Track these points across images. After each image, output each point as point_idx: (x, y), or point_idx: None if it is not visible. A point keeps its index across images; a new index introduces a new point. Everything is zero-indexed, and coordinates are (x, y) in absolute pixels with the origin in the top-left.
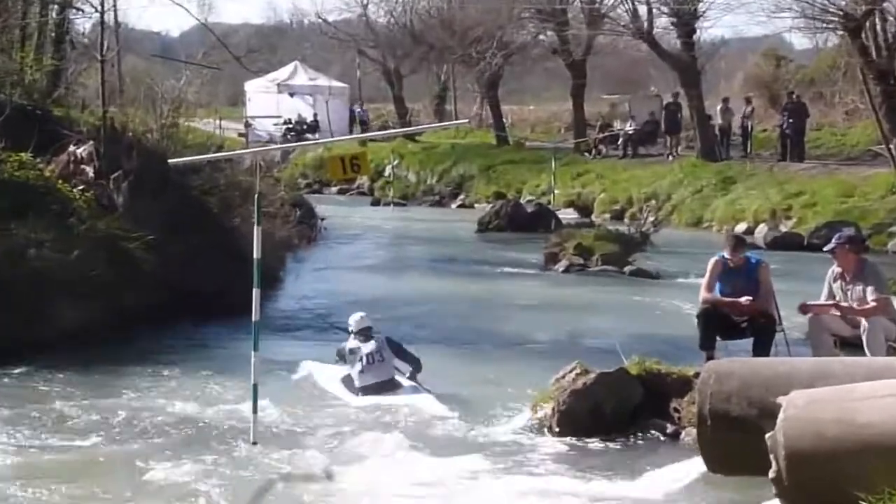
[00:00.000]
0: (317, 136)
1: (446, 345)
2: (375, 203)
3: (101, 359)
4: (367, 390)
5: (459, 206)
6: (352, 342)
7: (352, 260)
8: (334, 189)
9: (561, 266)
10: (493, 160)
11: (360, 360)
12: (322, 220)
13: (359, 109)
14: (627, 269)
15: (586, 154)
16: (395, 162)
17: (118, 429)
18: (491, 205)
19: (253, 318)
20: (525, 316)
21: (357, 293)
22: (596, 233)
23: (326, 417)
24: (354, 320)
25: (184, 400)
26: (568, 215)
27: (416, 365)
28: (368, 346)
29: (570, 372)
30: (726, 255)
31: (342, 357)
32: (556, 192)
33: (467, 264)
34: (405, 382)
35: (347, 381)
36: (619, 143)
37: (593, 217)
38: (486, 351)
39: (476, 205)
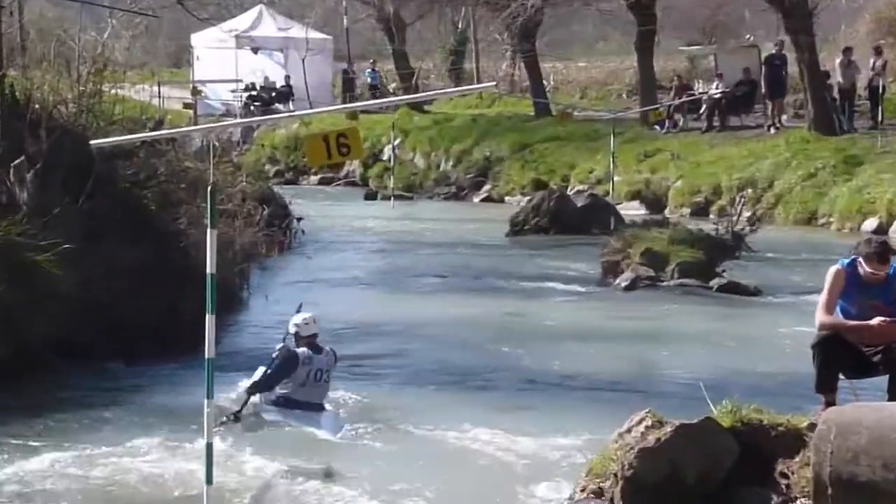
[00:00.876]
0: (290, 106)
1: (466, 388)
2: (370, 197)
3: None
4: (290, 404)
5: (484, 200)
6: (302, 349)
7: (338, 274)
8: (314, 178)
9: (624, 280)
10: (530, 137)
11: (309, 374)
12: (298, 220)
13: (370, 71)
14: (715, 282)
15: (657, 127)
16: (397, 141)
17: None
18: (527, 198)
19: (206, 355)
20: (574, 349)
21: (345, 319)
22: (671, 234)
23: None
24: (302, 322)
25: (110, 466)
26: (632, 210)
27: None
28: (321, 361)
29: (639, 424)
30: (865, 266)
31: (282, 362)
32: (615, 179)
33: (495, 280)
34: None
35: (263, 385)
36: (701, 111)
37: (667, 213)
38: (522, 396)
39: (507, 198)
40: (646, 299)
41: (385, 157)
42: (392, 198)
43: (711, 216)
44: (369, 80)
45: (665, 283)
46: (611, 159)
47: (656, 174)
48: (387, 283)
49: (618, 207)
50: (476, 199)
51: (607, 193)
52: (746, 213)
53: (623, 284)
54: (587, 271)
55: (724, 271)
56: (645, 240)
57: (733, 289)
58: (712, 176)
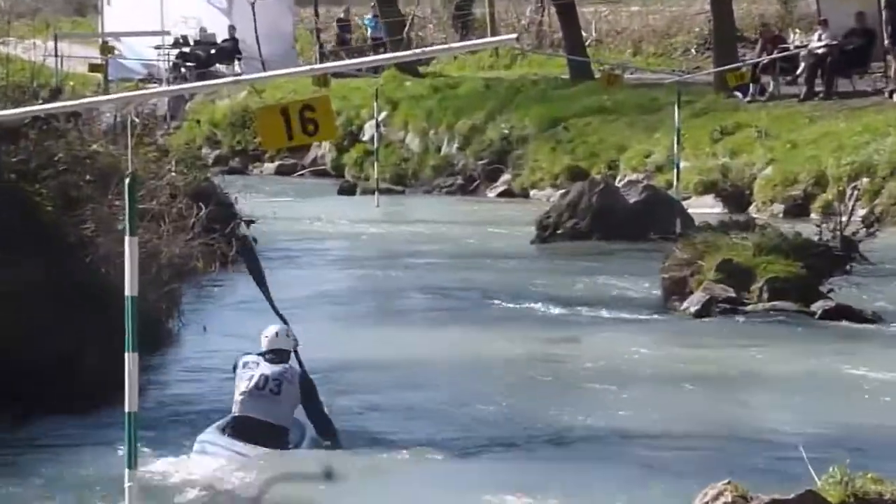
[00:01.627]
0: (236, 67)
1: (490, 453)
2: (347, 191)
3: None
4: (237, 428)
5: (502, 195)
6: (251, 356)
7: (303, 298)
8: (270, 167)
9: (693, 303)
10: (564, 109)
11: (249, 380)
12: (248, 224)
13: (371, 18)
14: (818, 306)
15: (738, 94)
16: (382, 116)
17: None
18: (560, 192)
19: (126, 408)
20: (628, 397)
21: (316, 362)
22: (758, 240)
23: None
24: (269, 335)
25: None
26: (705, 208)
27: (324, 429)
28: (267, 368)
29: (716, 499)
30: None
31: (235, 371)
32: (681, 166)
33: (517, 304)
34: (300, 440)
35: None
36: (799, 72)
37: (752, 211)
38: (561, 461)
39: (533, 192)
40: (723, 329)
41: (366, 138)
42: (376, 192)
43: (813, 215)
44: (370, 30)
45: (750, 307)
46: (675, 139)
47: (737, 158)
48: (370, 310)
49: (685, 204)
50: (491, 194)
51: (670, 185)
52: (861, 212)
53: (692, 309)
54: (643, 292)
55: (830, 291)
56: (722, 248)
57: (843, 314)
58: (814, 160)
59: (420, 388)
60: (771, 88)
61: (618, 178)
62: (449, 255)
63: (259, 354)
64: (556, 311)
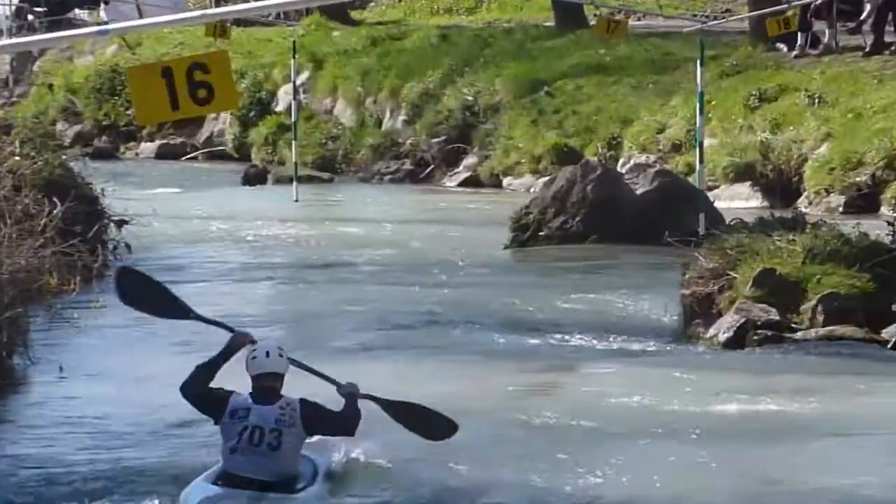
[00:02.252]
0: (101, 12)
1: None
2: (255, 180)
3: None
4: (230, 483)
5: (465, 184)
6: (239, 399)
7: (190, 326)
8: (149, 147)
9: (723, 329)
10: (548, 68)
11: (240, 432)
12: (119, 225)
13: None
14: (891, 332)
15: (780, 46)
16: (303, 78)
17: None
18: (544, 179)
19: None
20: (638, 456)
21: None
22: (811, 243)
23: None
24: (258, 356)
25: None
26: (738, 200)
27: (346, 429)
28: (261, 416)
29: None
30: None
31: (207, 402)
32: (706, 143)
33: (485, 329)
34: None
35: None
36: (863, 16)
37: (802, 203)
38: None
39: (507, 179)
40: (763, 365)
41: (280, 108)
42: (295, 182)
43: (884, 209)
44: None
45: (799, 335)
46: (697, 107)
47: (781, 133)
48: (289, 340)
49: (711, 196)
50: (450, 183)
51: (692, 170)
52: None
53: (721, 337)
54: (655, 314)
55: None
56: (762, 255)
57: None
58: (884, 135)
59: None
60: (826, 39)
61: (621, 162)
62: (392, 265)
63: (253, 379)
64: (537, 340)
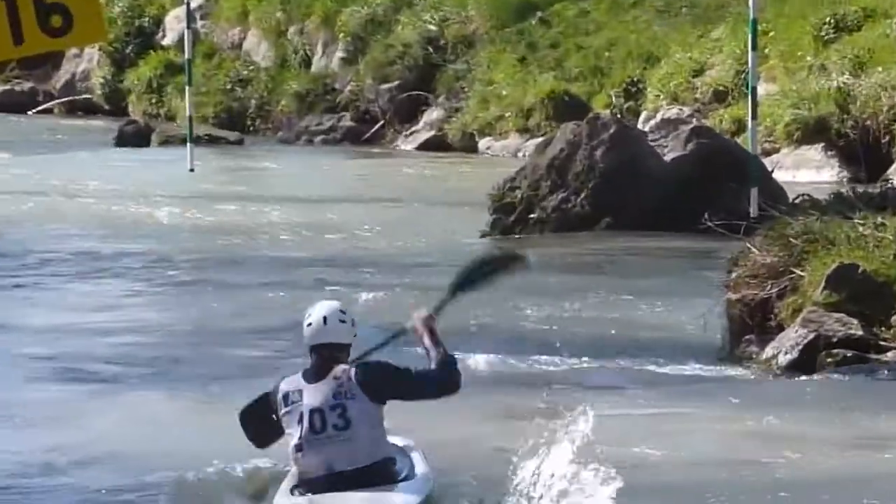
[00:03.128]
0: None
1: None
2: (133, 140)
3: None
4: (309, 488)
5: (426, 147)
6: (288, 382)
7: (55, 349)
8: None
9: (786, 347)
10: None
11: (299, 422)
12: None
13: None
14: None
15: None
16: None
17: None
18: (537, 140)
19: None
20: None
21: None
22: None
23: None
24: (314, 321)
25: None
26: (806, 168)
27: (442, 382)
28: (315, 395)
29: None
30: None
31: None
32: (757, 89)
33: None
34: (406, 469)
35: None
36: None
37: (893, 175)
38: None
39: (484, 140)
40: (845, 397)
41: (169, 41)
42: (189, 144)
43: None
44: None
45: (892, 356)
46: (749, 39)
47: (866, 76)
48: (164, 362)
49: (767, 163)
50: (406, 146)
51: (741, 128)
52: None
53: (783, 359)
54: (691, 326)
55: None
56: (839, 245)
57: None
58: None
59: None
60: None
61: (643, 117)
62: (323, 262)
63: (309, 351)
64: (525, 366)
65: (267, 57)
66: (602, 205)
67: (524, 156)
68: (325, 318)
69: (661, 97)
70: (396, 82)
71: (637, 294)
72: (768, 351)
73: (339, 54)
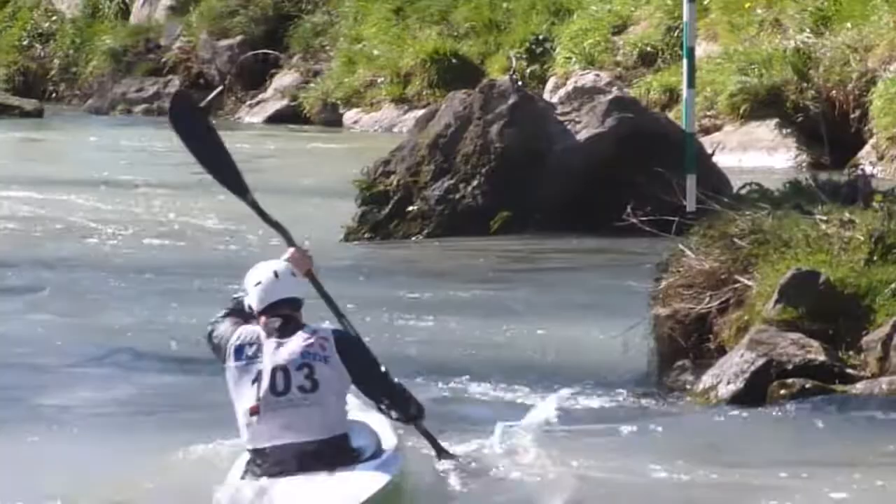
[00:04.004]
0: None
1: None
2: None
3: None
4: (263, 461)
5: (273, 121)
6: (242, 332)
7: None
8: None
9: (728, 376)
10: None
11: (254, 381)
12: None
13: None
14: None
15: None
16: None
17: None
18: (420, 112)
19: None
20: None
21: None
22: (881, 225)
23: None
24: (263, 280)
25: None
26: (756, 150)
27: (398, 404)
28: (280, 352)
29: None
30: None
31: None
32: (694, 50)
33: None
34: (371, 444)
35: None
36: None
37: (863, 159)
38: None
39: (349, 112)
40: (800, 441)
41: None
42: None
43: None
44: None
45: (861, 387)
46: None
47: (831, 34)
48: None
49: (707, 142)
50: (251, 118)
51: (672, 101)
52: None
53: (724, 390)
54: (610, 350)
55: None
56: (794, 248)
57: None
58: None
59: None
60: None
61: (550, 84)
62: (136, 273)
63: (257, 313)
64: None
65: (74, 5)
66: (499, 195)
67: (401, 132)
68: (276, 273)
69: (574, 60)
70: (238, 38)
71: (541, 308)
72: (706, 380)
73: (166, 2)
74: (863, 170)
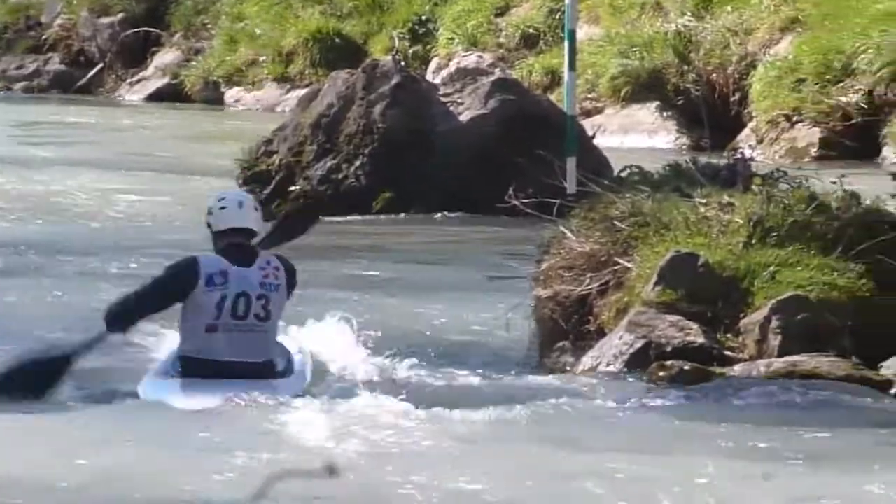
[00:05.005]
0: None
1: None
2: None
3: None
4: (207, 370)
5: (154, 99)
6: (208, 261)
7: None
8: None
9: (608, 358)
10: None
11: (223, 305)
12: None
13: None
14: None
15: None
16: None
17: None
18: (302, 91)
19: None
20: None
21: None
22: (761, 208)
23: None
24: (217, 205)
25: None
26: (633, 133)
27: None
28: (243, 280)
29: None
30: None
31: (167, 273)
32: (575, 32)
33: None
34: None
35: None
36: None
37: (743, 142)
38: None
39: (232, 91)
40: (675, 424)
41: None
42: None
43: (888, 152)
44: None
45: (739, 369)
46: None
47: (712, 17)
48: None
49: (588, 125)
50: (132, 96)
51: (553, 83)
52: None
53: (604, 369)
54: (489, 331)
55: None
56: (674, 230)
57: None
58: (891, 22)
59: None
60: None
61: (433, 65)
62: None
63: (222, 236)
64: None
65: None
66: (382, 176)
67: (284, 111)
68: (240, 203)
69: (456, 41)
70: (119, 16)
71: (421, 288)
72: (586, 361)
73: None
74: (742, 153)
